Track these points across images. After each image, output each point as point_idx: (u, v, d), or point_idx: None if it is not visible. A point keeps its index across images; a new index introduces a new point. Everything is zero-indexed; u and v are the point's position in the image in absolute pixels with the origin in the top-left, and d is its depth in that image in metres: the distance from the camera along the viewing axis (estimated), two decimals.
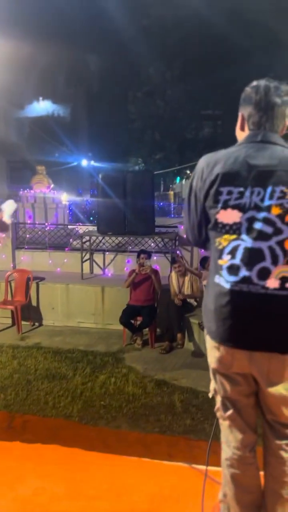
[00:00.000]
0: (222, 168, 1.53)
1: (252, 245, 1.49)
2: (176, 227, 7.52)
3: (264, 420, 1.71)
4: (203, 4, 14.34)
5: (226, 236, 1.54)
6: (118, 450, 2.93)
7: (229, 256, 1.53)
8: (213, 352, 1.64)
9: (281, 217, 1.48)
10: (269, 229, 1.49)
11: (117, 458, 2.58)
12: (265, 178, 1.50)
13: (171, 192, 25.91)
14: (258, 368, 1.57)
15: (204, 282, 5.61)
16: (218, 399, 1.72)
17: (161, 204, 19.73)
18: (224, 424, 1.74)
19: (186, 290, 5.72)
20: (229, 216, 1.52)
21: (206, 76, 15.94)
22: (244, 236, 1.51)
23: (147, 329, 5.69)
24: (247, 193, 1.50)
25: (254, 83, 1.63)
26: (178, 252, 6.87)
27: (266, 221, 1.49)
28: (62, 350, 5.47)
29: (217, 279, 1.56)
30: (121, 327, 5.75)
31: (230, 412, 1.69)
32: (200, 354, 5.31)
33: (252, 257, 1.49)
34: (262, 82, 1.60)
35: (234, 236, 1.52)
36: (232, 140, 1.83)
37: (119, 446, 3.28)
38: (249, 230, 1.50)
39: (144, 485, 2.28)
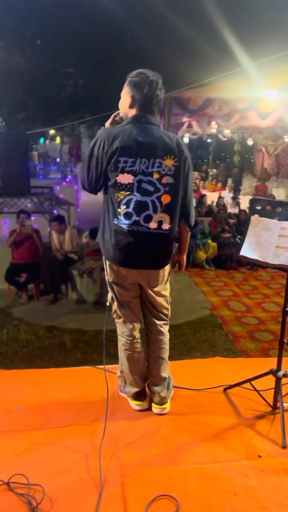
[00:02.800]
0: (120, 143, 2.13)
1: (140, 199, 2.18)
2: (51, 188, 7.84)
3: (148, 311, 2.48)
4: None
5: (122, 192, 2.18)
6: None
7: (124, 206, 2.19)
8: (113, 272, 2.35)
9: (159, 180, 2.19)
10: (151, 188, 2.18)
11: (34, 372, 3.23)
12: (149, 152, 2.15)
13: (35, 153, 25.30)
14: (143, 278, 2.35)
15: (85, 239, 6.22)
16: (115, 304, 2.45)
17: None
18: (119, 322, 2.49)
19: (67, 246, 6.24)
20: (125, 178, 2.16)
21: (66, 33, 15.70)
22: (135, 193, 2.17)
23: (31, 285, 6.08)
24: (137, 162, 2.15)
25: (142, 73, 2.18)
26: (55, 211, 7.26)
27: (149, 182, 2.18)
28: None
29: (116, 221, 2.21)
30: (4, 286, 6.03)
31: (125, 310, 2.43)
32: (83, 301, 5.95)
33: (140, 207, 2.18)
34: (151, 76, 2.17)
35: (128, 193, 2.18)
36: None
37: None
38: (138, 189, 2.17)
39: (61, 383, 2.96)
